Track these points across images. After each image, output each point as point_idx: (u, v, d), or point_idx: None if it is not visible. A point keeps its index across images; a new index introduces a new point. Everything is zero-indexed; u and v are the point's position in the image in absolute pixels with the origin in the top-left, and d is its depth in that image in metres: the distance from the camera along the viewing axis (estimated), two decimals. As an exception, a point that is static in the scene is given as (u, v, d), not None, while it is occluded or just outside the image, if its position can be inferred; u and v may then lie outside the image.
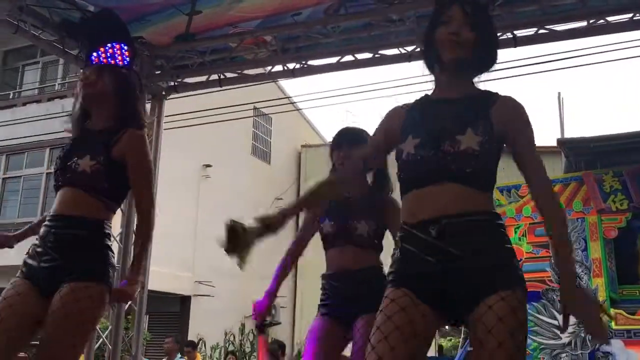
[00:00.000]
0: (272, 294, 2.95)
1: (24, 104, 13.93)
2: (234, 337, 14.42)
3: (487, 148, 1.80)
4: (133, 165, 2.46)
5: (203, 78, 5.56)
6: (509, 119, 1.86)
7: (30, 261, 2.39)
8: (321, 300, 2.86)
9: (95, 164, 2.39)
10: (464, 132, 1.80)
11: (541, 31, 4.45)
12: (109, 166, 2.41)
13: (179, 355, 8.27)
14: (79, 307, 2.24)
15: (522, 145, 1.88)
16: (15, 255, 2.86)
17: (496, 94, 1.92)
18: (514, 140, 1.87)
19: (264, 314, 2.97)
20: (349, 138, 2.76)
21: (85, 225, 2.37)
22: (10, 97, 14.89)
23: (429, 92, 2.00)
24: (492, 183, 1.89)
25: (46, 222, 2.42)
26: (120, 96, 2.58)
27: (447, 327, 15.96)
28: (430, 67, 1.98)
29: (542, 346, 7.79)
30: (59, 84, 14.52)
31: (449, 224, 1.75)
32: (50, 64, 14.62)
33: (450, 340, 14.60)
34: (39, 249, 2.38)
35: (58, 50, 4.91)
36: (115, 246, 5.29)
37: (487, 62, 1.95)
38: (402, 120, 1.96)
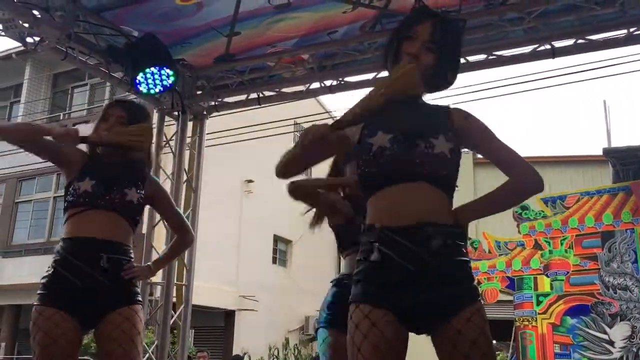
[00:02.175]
0: None
1: (74, 125, 14.44)
2: (278, 352, 14.48)
3: (454, 156, 1.85)
4: (166, 204, 2.83)
5: (242, 97, 5.67)
6: (465, 127, 1.90)
7: (65, 279, 2.39)
8: None
9: (139, 197, 2.59)
10: (437, 136, 1.83)
11: (580, 41, 4.40)
12: (144, 201, 2.64)
13: None
14: (138, 330, 2.46)
15: (487, 141, 1.92)
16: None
17: (447, 106, 1.96)
18: (479, 142, 1.93)
19: None
20: None
21: (129, 253, 2.56)
22: (61, 118, 15.49)
23: None
24: (454, 192, 1.91)
25: (88, 244, 2.44)
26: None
27: (494, 342, 15.67)
28: (389, 68, 1.99)
29: (592, 362, 7.57)
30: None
31: (432, 233, 1.75)
32: (98, 86, 15.16)
33: (499, 355, 14.30)
34: (82, 269, 2.40)
35: (104, 74, 5.10)
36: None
37: (440, 84, 1.98)
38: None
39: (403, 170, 1.80)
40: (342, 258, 2.83)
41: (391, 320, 1.73)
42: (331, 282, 2.76)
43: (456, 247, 1.79)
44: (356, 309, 1.77)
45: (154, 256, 5.39)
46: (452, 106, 1.97)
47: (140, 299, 2.56)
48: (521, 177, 1.89)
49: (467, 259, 1.83)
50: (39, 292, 2.45)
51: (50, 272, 2.44)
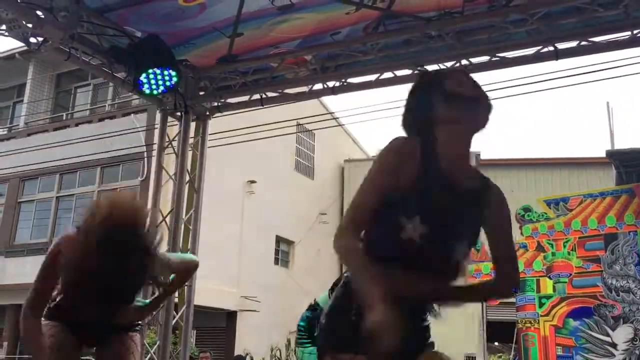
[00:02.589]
0: None
1: (77, 125, 14.47)
2: (280, 353, 14.48)
3: (467, 251, 1.84)
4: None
5: (245, 98, 5.67)
6: (498, 211, 1.89)
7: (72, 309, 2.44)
8: None
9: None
10: (462, 241, 1.80)
11: (583, 43, 4.39)
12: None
13: None
14: (140, 353, 2.58)
15: (504, 227, 1.93)
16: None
17: (488, 182, 1.90)
18: (497, 226, 1.91)
19: None
20: None
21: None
22: (64, 118, 15.51)
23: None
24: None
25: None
26: None
27: (496, 343, 15.56)
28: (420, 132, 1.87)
29: (594, 364, 7.55)
30: (109, 105, 15.03)
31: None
32: (101, 86, 15.18)
33: (501, 357, 14.27)
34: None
35: (107, 75, 5.11)
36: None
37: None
38: (415, 169, 1.73)
39: (414, 267, 1.72)
40: None
41: None
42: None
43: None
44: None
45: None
46: (492, 183, 1.91)
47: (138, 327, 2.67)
48: (507, 277, 1.95)
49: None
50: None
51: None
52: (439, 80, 1.85)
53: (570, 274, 7.88)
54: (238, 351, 12.85)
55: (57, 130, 14.19)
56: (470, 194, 1.80)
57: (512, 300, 8.51)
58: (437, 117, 1.78)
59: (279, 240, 15.80)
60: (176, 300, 5.35)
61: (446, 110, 1.77)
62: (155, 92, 4.74)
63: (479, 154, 15.29)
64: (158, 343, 5.23)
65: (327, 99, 15.79)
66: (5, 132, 16.73)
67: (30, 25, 4.29)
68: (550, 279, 8.01)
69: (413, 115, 1.87)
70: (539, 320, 7.97)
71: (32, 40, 4.47)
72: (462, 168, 1.82)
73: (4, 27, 4.29)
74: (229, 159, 12.21)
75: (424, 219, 1.70)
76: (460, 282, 1.84)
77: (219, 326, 14.17)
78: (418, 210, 1.70)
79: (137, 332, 2.62)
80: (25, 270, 13.51)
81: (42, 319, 2.45)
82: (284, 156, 15.87)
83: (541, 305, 8.00)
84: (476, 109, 1.79)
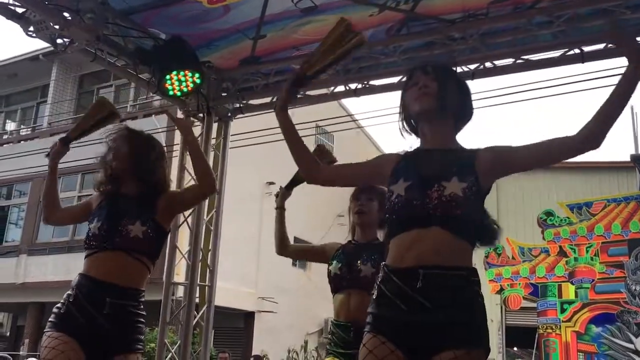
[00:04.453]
0: None
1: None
2: (297, 355, 14.48)
3: (469, 196, 1.91)
4: (182, 194, 2.91)
5: (267, 99, 5.69)
6: (492, 161, 1.97)
7: (74, 315, 2.45)
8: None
9: (146, 230, 2.54)
10: (449, 179, 1.92)
11: (610, 46, 4.32)
12: (157, 231, 2.60)
13: None
14: None
15: (520, 151, 1.97)
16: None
17: (477, 148, 2.04)
18: (510, 160, 1.98)
19: None
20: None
21: (136, 297, 2.55)
22: (86, 119, 15.69)
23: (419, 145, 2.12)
24: (474, 234, 1.96)
25: (95, 286, 2.48)
26: (147, 165, 2.70)
27: (515, 348, 15.43)
28: (413, 129, 2.13)
29: (617, 372, 7.43)
30: (130, 105, 15.18)
31: (425, 275, 1.85)
32: (123, 87, 15.33)
33: (519, 362, 14.15)
34: (88, 310, 2.44)
35: (131, 76, 5.15)
36: (183, 263, 5.48)
37: (455, 109, 2.06)
38: (394, 164, 2.08)
39: (414, 217, 1.92)
40: None
41: (386, 343, 1.86)
42: None
43: (449, 291, 1.85)
44: (364, 338, 1.95)
45: (178, 256, 5.44)
46: (481, 148, 2.04)
47: (140, 346, 2.57)
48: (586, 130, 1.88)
49: (469, 298, 1.88)
50: (50, 320, 2.51)
51: (62, 305, 2.51)
52: (407, 78, 2.13)
53: (593, 280, 7.78)
54: (255, 352, 12.88)
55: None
56: (449, 154, 2.00)
57: (532, 305, 8.42)
58: (412, 115, 2.10)
59: (297, 241, 15.80)
60: (197, 300, 5.37)
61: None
62: (178, 93, 4.77)
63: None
64: (179, 342, 5.25)
65: (347, 101, 15.79)
66: (29, 132, 16.98)
67: (57, 27, 4.35)
68: (573, 284, 7.91)
69: (401, 117, 2.15)
70: (560, 326, 7.88)
71: (59, 41, 4.52)
72: (446, 148, 2.03)
73: (31, 28, 4.35)
74: (248, 161, 12.25)
75: (407, 178, 1.98)
76: (464, 210, 1.90)
77: (236, 327, 14.22)
78: (401, 175, 2.00)
79: (139, 353, 2.56)
80: (47, 269, 13.70)
81: (47, 330, 2.46)
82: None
83: (563, 310, 7.92)
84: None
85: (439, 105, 2.02)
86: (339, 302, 2.92)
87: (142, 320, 2.58)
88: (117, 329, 2.46)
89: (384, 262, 1.99)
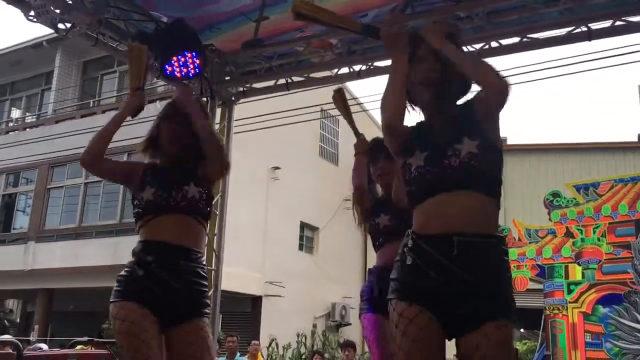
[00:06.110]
0: None
1: (104, 112, 14.62)
2: (306, 339, 14.55)
3: (485, 147, 1.93)
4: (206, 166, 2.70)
5: (271, 82, 5.66)
6: (485, 104, 1.98)
7: (144, 282, 2.38)
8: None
9: (201, 190, 2.54)
10: (461, 140, 1.94)
11: (618, 23, 4.26)
12: (207, 192, 2.59)
13: (238, 354, 8.46)
14: (210, 340, 2.48)
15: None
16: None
17: (471, 100, 2.06)
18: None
19: None
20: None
21: (202, 260, 2.55)
22: (91, 105, 15.69)
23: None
24: (498, 188, 1.96)
25: (165, 250, 2.43)
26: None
27: (522, 330, 15.46)
28: (414, 102, 2.15)
29: (625, 351, 7.43)
30: (135, 91, 15.13)
31: (459, 242, 1.83)
32: (127, 73, 15.25)
33: (526, 344, 14.14)
34: (158, 275, 2.39)
35: (134, 60, 5.12)
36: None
37: (457, 85, 2.07)
38: (407, 136, 2.08)
39: (438, 185, 1.93)
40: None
41: (424, 312, 1.83)
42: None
43: (485, 260, 1.85)
44: (395, 306, 1.90)
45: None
46: (473, 96, 2.06)
47: (209, 310, 2.55)
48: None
49: (501, 266, 1.88)
50: (116, 288, 2.41)
51: (129, 272, 2.43)
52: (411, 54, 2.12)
53: (600, 260, 7.75)
54: (263, 336, 12.96)
55: (84, 117, 14.33)
56: (453, 118, 2.03)
57: (539, 287, 8.41)
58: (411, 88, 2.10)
59: (304, 226, 15.82)
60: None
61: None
62: (181, 77, 4.73)
63: (506, 139, 15.07)
64: (186, 326, 5.28)
65: (351, 85, 15.71)
66: (34, 120, 16.99)
67: (58, 11, 4.32)
68: (579, 265, 7.88)
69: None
70: (567, 307, 7.87)
71: (60, 26, 4.50)
72: (449, 113, 2.05)
73: (32, 13, 4.32)
74: (253, 146, 12.23)
75: (422, 149, 2.00)
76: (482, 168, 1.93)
77: (244, 311, 14.29)
78: (416, 146, 2.02)
79: (207, 318, 2.53)
80: (55, 255, 13.78)
81: (116, 299, 2.40)
82: (308, 142, 15.84)
83: (570, 291, 7.90)
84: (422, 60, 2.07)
85: (439, 93, 2.06)
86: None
87: (207, 284, 2.56)
88: (189, 293, 2.42)
89: (410, 230, 1.97)
